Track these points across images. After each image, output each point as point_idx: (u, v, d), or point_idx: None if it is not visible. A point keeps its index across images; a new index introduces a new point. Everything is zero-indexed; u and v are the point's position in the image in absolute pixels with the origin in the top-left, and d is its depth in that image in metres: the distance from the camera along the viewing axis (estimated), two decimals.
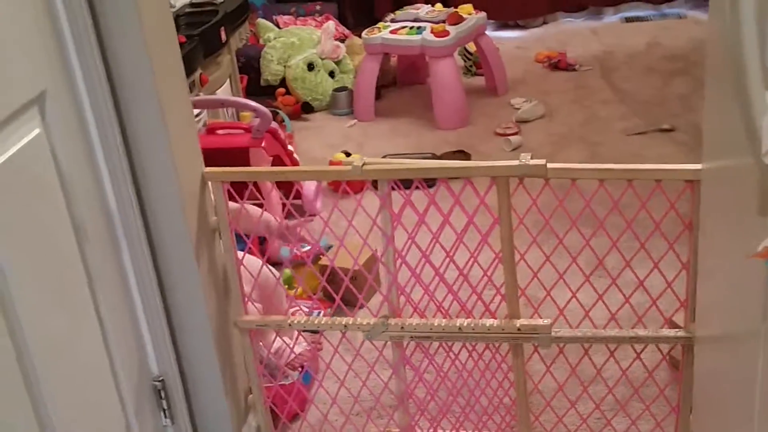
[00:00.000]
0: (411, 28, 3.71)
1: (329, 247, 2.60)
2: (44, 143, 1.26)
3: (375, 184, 1.63)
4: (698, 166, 1.47)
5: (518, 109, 3.72)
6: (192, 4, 3.36)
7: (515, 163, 1.54)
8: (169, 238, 1.57)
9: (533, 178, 1.56)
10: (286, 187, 2.69)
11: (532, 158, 1.54)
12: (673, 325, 1.67)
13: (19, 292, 1.17)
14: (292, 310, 1.97)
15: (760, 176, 0.98)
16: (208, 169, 1.65)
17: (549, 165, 1.53)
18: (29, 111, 1.23)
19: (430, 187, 1.62)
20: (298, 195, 2.79)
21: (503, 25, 4.98)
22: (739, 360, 1.24)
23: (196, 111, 2.85)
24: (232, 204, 1.67)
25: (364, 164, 1.60)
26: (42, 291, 1.24)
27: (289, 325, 1.74)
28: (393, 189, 1.64)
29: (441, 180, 1.62)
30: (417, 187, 1.64)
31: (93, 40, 1.38)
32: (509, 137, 3.42)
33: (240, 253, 1.73)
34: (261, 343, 1.86)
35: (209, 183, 1.65)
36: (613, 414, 1.75)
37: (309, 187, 2.78)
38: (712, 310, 1.46)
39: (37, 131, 1.24)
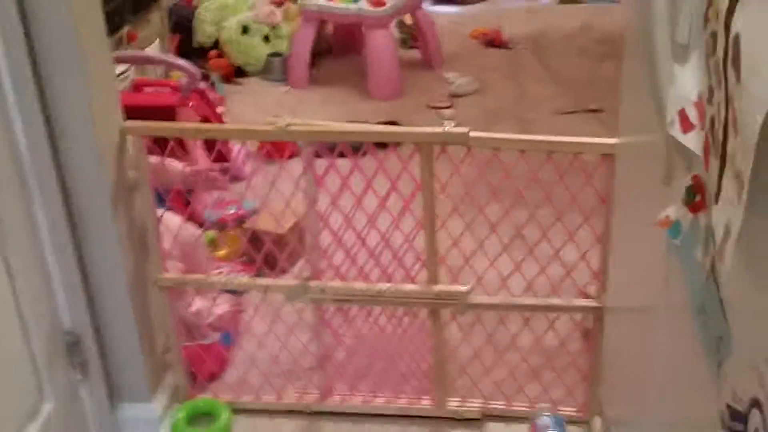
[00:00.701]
0: None
1: (254, 211, 2.58)
2: None
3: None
4: (615, 140, 1.50)
5: (452, 83, 3.74)
6: None
7: (438, 130, 1.55)
8: (85, 191, 1.54)
9: (459, 151, 1.58)
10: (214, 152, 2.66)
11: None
12: (587, 297, 1.72)
13: None
14: (214, 271, 1.96)
15: (664, 146, 1.01)
16: (128, 122, 1.62)
17: (471, 134, 1.55)
18: None
19: (355, 153, 1.63)
20: (226, 160, 2.76)
21: (441, 0, 4.99)
22: (642, 329, 1.29)
23: (122, 67, 2.78)
24: (151, 158, 1.64)
25: (287, 125, 1.59)
26: None
27: (210, 284, 1.73)
28: (319, 156, 1.63)
29: (367, 147, 1.62)
30: (342, 155, 1.64)
31: None
32: (442, 110, 3.44)
33: (160, 211, 1.71)
34: (180, 303, 1.84)
35: (129, 138, 1.62)
36: (527, 381, 1.80)
37: (239, 150, 2.75)
38: (621, 282, 1.51)
39: None
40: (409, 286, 1.67)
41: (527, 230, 1.65)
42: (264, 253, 1.72)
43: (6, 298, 1.38)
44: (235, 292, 1.99)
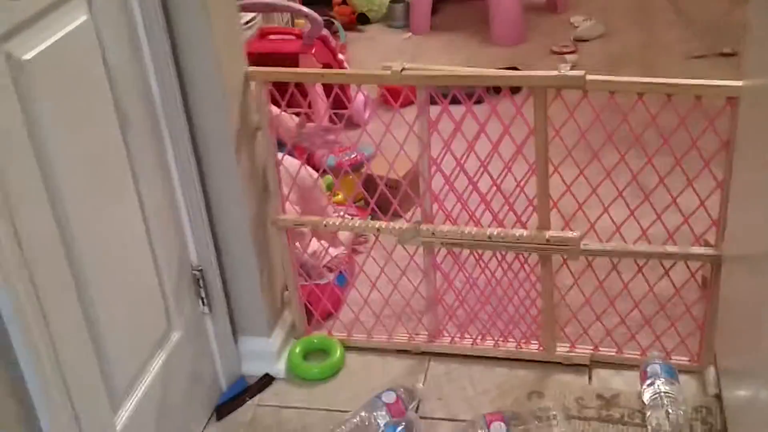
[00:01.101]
0: None
1: (371, 157, 2.63)
2: (91, 30, 1.30)
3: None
4: (740, 83, 1.44)
5: (577, 27, 3.64)
6: None
7: (553, 73, 1.53)
8: (210, 134, 1.62)
9: (574, 96, 1.55)
10: (336, 97, 2.71)
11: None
12: (706, 244, 1.67)
13: (65, 179, 1.24)
14: (331, 214, 2.02)
15: None
16: (252, 68, 1.68)
17: (588, 77, 1.52)
18: None
19: (469, 98, 1.63)
20: (345, 106, 2.81)
21: None
22: (761, 278, 1.25)
23: (249, 15, 2.87)
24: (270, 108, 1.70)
25: (402, 69, 1.61)
26: (87, 178, 1.31)
27: (325, 225, 1.79)
28: (434, 102, 1.64)
29: (481, 92, 1.62)
30: (457, 100, 1.64)
31: None
32: (565, 55, 3.37)
33: (280, 154, 1.77)
34: (298, 244, 1.92)
35: (252, 83, 1.68)
36: (638, 329, 1.78)
37: (358, 97, 2.80)
38: (742, 230, 1.46)
39: (84, 18, 1.28)
40: (519, 231, 1.67)
41: (643, 176, 1.62)
42: (377, 197, 1.76)
43: (140, 234, 1.49)
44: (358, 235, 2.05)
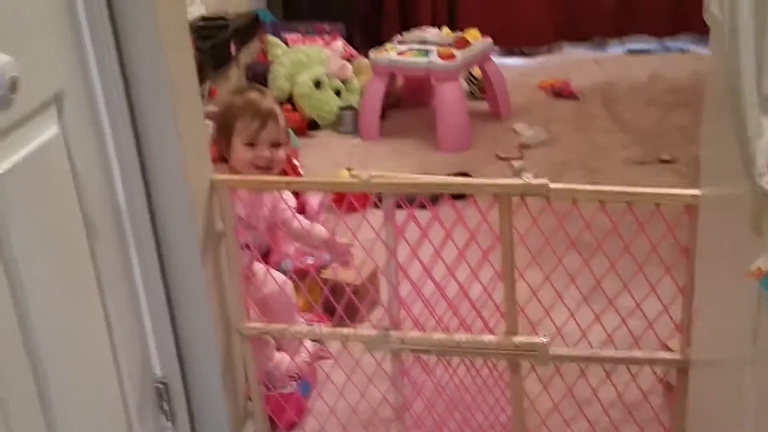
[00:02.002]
0: (418, 50, 3.76)
1: (331, 261, 2.63)
2: (61, 142, 1.29)
3: (379, 199, 1.67)
4: (697, 192, 1.50)
5: (521, 134, 3.76)
6: (204, 18, 3.41)
7: (518, 181, 1.57)
8: (176, 241, 1.60)
9: (533, 203, 1.59)
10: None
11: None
12: (668, 350, 1.70)
13: (31, 284, 1.19)
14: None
15: (753, 197, 1.01)
16: (218, 176, 1.68)
17: (551, 185, 1.57)
18: (48, 109, 1.26)
19: (433, 204, 1.66)
20: (302, 210, 2.82)
21: (508, 52, 5.04)
22: (729, 384, 1.27)
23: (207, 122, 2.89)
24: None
25: (370, 177, 1.63)
26: (52, 284, 1.27)
27: (292, 334, 1.76)
28: (399, 206, 1.67)
29: (445, 198, 1.65)
30: (422, 205, 1.67)
31: (110, 41, 1.41)
32: (512, 161, 3.47)
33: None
34: (263, 353, 1.88)
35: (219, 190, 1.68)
36: None
37: (313, 200, 2.82)
38: (707, 334, 1.49)
39: (54, 130, 1.27)
40: (488, 337, 1.68)
41: (606, 282, 1.65)
42: (344, 303, 1.75)
43: (104, 347, 1.44)
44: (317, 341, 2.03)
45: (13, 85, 1.09)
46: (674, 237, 1.56)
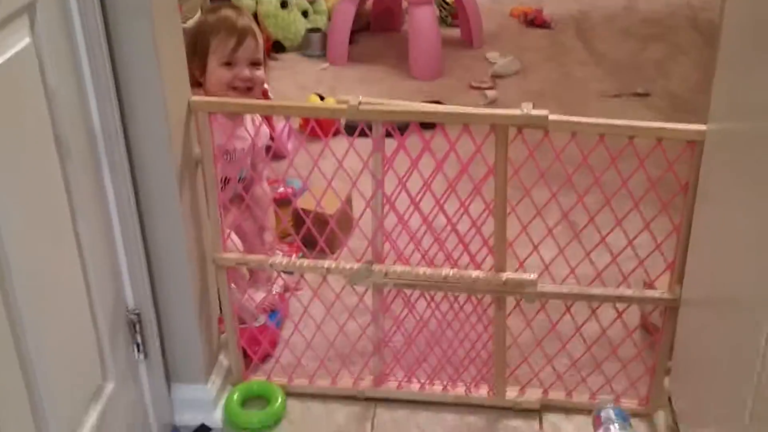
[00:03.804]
0: None
1: (302, 191, 2.54)
2: (32, 54, 1.18)
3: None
4: (702, 127, 1.45)
5: (494, 63, 3.68)
6: None
7: (517, 112, 1.50)
8: (152, 166, 1.50)
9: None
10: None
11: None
12: (649, 287, 1.68)
13: (1, 213, 1.10)
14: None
15: None
16: (196, 98, 1.57)
17: (550, 117, 1.50)
18: (19, 19, 1.14)
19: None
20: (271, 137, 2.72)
21: None
22: (736, 324, 1.24)
23: None
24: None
25: (360, 103, 1.54)
26: (22, 206, 1.17)
27: (270, 265, 1.69)
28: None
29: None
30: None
31: None
32: (485, 91, 3.39)
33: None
34: (234, 286, 1.81)
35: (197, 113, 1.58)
36: (589, 372, 1.75)
37: (281, 127, 2.71)
38: (705, 274, 1.46)
39: (26, 41, 1.16)
40: (476, 273, 1.63)
41: (597, 218, 1.61)
42: (326, 234, 1.68)
43: (76, 274, 1.35)
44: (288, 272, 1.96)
45: None
46: (674, 173, 1.51)
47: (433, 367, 1.79)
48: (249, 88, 1.85)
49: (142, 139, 1.47)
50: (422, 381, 1.79)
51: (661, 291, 1.63)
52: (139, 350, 1.58)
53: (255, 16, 3.83)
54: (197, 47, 1.86)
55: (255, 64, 1.86)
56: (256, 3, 3.84)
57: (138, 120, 1.46)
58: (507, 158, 1.53)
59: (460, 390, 1.79)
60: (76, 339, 1.36)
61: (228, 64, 1.83)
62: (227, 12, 1.90)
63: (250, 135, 1.84)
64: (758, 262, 1.11)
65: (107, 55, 1.36)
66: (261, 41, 1.89)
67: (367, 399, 1.80)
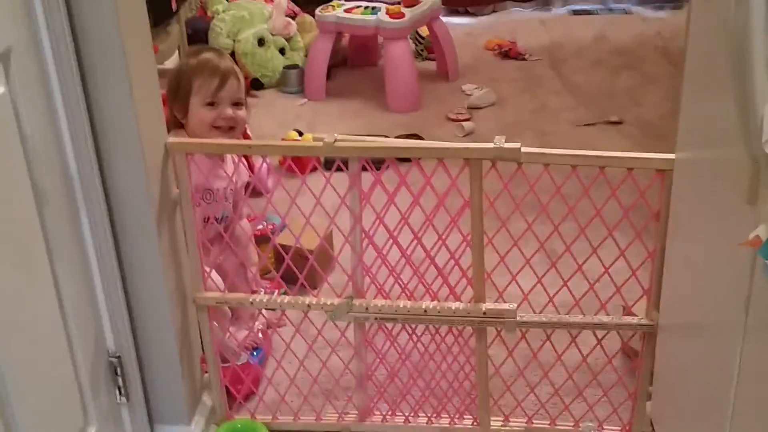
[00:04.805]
0: (366, 7, 3.67)
1: (282, 227, 2.55)
2: (8, 102, 1.20)
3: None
4: (671, 156, 1.48)
5: (470, 95, 3.72)
6: None
7: (490, 145, 1.53)
8: (130, 208, 1.51)
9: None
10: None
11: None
12: (629, 314, 1.69)
13: None
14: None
15: (751, 165, 0.99)
16: (173, 139, 1.59)
17: (523, 149, 1.53)
18: None
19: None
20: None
21: (453, 11, 4.97)
22: (710, 350, 1.26)
23: None
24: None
25: (335, 140, 1.56)
26: (1, 259, 1.18)
27: (251, 303, 1.70)
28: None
29: (414, 161, 1.60)
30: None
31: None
32: (462, 123, 3.42)
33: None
34: (217, 324, 1.81)
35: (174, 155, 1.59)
36: (571, 399, 1.77)
37: (260, 164, 2.72)
38: (680, 300, 1.48)
39: (1, 90, 1.17)
40: (456, 304, 1.64)
41: (572, 247, 1.63)
42: (307, 270, 1.69)
43: (55, 320, 1.36)
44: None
45: None
46: (645, 201, 1.54)
47: (417, 399, 1.80)
48: (231, 128, 1.87)
49: (120, 181, 1.48)
50: (407, 414, 1.80)
51: (638, 317, 1.65)
52: (120, 393, 1.58)
53: (233, 54, 3.87)
54: (179, 89, 1.88)
55: (237, 104, 1.88)
56: (234, 42, 3.87)
57: (115, 163, 1.47)
58: (482, 191, 1.56)
59: (445, 421, 1.79)
60: (57, 384, 1.36)
61: (211, 104, 1.86)
62: (209, 55, 1.93)
63: (229, 175, 1.85)
64: (726, 287, 1.13)
65: (83, 100, 1.38)
66: (242, 82, 1.91)
67: None
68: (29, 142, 1.25)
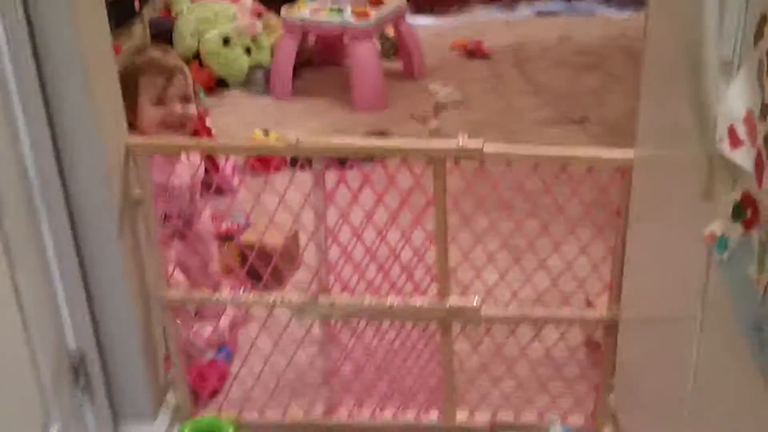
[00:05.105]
0: (331, 8, 3.67)
1: (247, 225, 2.55)
2: None
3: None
4: (630, 154, 1.51)
5: (436, 94, 3.74)
6: None
7: (452, 144, 1.54)
8: (91, 210, 1.51)
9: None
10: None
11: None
12: (588, 306, 1.72)
13: None
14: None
15: (707, 163, 1.01)
16: (133, 140, 1.58)
17: (485, 149, 1.54)
18: None
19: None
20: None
21: (418, 11, 4.99)
22: (669, 342, 1.29)
23: None
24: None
25: (297, 141, 1.57)
26: None
27: (216, 300, 1.70)
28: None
29: (378, 160, 1.61)
30: (351, 167, 1.62)
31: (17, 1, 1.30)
32: (428, 121, 3.44)
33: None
34: (184, 322, 1.81)
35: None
36: (536, 392, 1.79)
37: (224, 162, 2.72)
38: (640, 294, 1.51)
39: None
40: (420, 300, 1.65)
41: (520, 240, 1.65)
42: (271, 267, 1.69)
43: (14, 319, 1.34)
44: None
45: None
46: (606, 198, 1.57)
47: (382, 395, 1.81)
48: (182, 125, 1.86)
49: (81, 183, 1.48)
50: (372, 409, 1.81)
51: (600, 310, 1.67)
52: (83, 394, 1.56)
53: (197, 54, 3.85)
54: (126, 89, 1.86)
55: (185, 100, 1.88)
56: (198, 42, 3.85)
57: (76, 165, 1.46)
58: (445, 189, 1.57)
59: (411, 416, 1.80)
60: (17, 387, 1.35)
61: (159, 102, 1.85)
62: (154, 52, 1.92)
63: (185, 171, 1.85)
64: (684, 282, 1.15)
65: (42, 103, 1.37)
66: (190, 77, 1.91)
67: (319, 429, 1.80)
68: None
